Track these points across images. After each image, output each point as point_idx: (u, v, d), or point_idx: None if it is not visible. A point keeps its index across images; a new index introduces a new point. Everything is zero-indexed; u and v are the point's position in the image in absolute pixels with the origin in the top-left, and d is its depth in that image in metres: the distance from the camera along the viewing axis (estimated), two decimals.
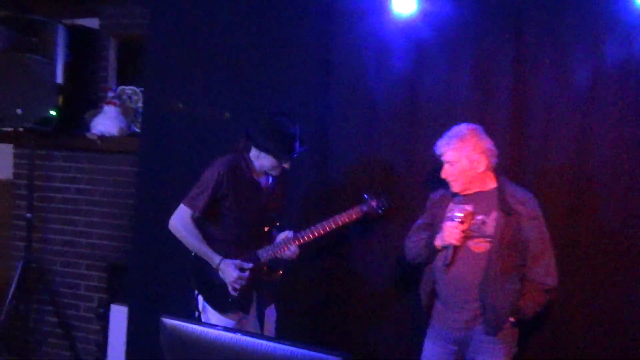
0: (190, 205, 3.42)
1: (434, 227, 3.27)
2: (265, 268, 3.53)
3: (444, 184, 3.70)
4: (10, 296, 4.79)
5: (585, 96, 3.54)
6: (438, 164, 3.76)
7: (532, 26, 3.63)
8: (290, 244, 3.45)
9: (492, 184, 3.23)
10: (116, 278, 5.07)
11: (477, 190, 3.22)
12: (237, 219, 3.46)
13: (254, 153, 3.46)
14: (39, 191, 5.19)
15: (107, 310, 4.93)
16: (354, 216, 3.48)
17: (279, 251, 3.47)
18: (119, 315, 4.79)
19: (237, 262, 3.42)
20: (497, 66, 3.68)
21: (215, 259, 3.41)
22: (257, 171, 3.48)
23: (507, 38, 3.65)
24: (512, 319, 3.16)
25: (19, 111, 4.70)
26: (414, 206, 3.83)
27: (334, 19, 4.00)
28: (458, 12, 3.74)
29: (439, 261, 3.23)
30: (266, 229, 3.58)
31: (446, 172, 3.23)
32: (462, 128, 3.23)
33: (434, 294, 3.33)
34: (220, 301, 3.48)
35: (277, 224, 3.62)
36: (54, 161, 5.27)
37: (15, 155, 5.43)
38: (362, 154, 3.97)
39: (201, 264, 3.50)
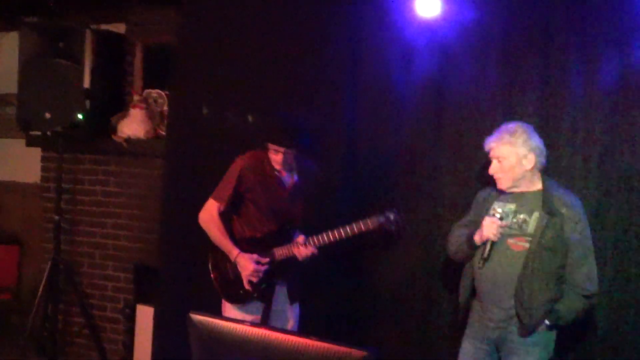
0: (216, 199, 3.57)
1: (477, 225, 3.27)
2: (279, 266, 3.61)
3: (469, 184, 3.72)
4: (39, 297, 4.88)
5: (614, 97, 3.51)
6: (466, 164, 3.77)
7: (559, 26, 3.59)
8: (303, 245, 3.53)
9: (538, 184, 3.20)
10: (142, 279, 5.14)
11: (523, 189, 3.20)
12: (260, 213, 3.57)
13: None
14: (66, 194, 5.28)
15: (133, 310, 4.99)
16: (370, 225, 3.50)
17: (293, 250, 3.55)
18: (144, 315, 4.85)
19: (254, 256, 3.53)
20: (524, 66, 3.65)
21: (233, 251, 3.54)
22: (278, 169, 3.56)
23: (533, 38, 3.63)
24: (546, 322, 3.11)
25: (47, 115, 4.79)
26: (437, 205, 3.86)
27: (359, 22, 4.02)
28: (483, 13, 3.73)
29: (477, 257, 3.23)
30: (287, 229, 3.65)
31: (494, 168, 3.22)
32: (513, 125, 3.23)
33: (472, 291, 3.32)
34: (234, 294, 3.59)
35: (297, 225, 3.69)
36: (82, 164, 5.36)
37: (44, 159, 5.53)
38: (388, 155, 3.98)
39: (218, 257, 3.62)
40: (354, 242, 3.98)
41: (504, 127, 3.24)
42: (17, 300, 5.83)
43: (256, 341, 1.83)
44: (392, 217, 3.52)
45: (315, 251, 3.53)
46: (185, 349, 2.14)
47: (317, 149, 4.06)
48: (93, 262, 5.32)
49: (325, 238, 3.51)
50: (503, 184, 3.22)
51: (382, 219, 3.51)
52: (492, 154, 3.23)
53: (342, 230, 3.48)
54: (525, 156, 3.15)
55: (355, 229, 3.48)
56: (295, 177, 3.62)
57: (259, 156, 3.57)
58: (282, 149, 3.44)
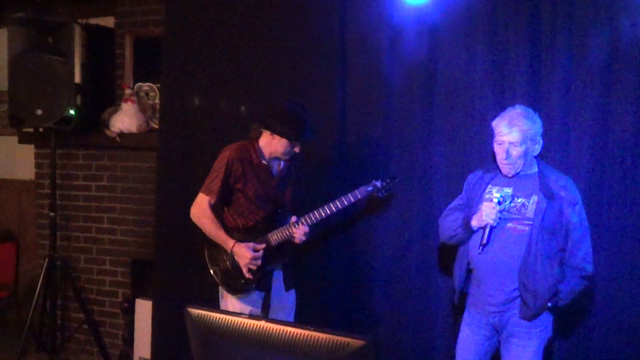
0: (206, 192, 3.55)
1: (471, 208, 3.25)
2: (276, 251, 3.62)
3: (460, 166, 3.70)
4: (37, 293, 4.88)
5: (603, 77, 3.50)
6: (453, 149, 3.75)
7: (548, 7, 3.59)
8: (297, 226, 3.54)
9: (533, 167, 3.17)
10: (140, 273, 5.15)
11: (520, 173, 3.17)
12: (250, 202, 3.57)
13: (265, 139, 3.54)
14: (61, 190, 5.27)
15: (132, 304, 5.00)
16: (358, 196, 3.53)
17: (287, 233, 3.56)
18: (143, 309, 4.86)
19: (251, 244, 3.53)
20: (513, 49, 3.64)
21: (229, 242, 3.54)
22: (267, 157, 3.56)
23: (522, 20, 3.62)
24: (549, 304, 3.10)
25: (38, 112, 4.75)
26: (429, 189, 3.87)
27: (347, 7, 4.01)
28: None
29: (475, 242, 3.20)
30: (278, 214, 3.66)
31: (508, 155, 3.11)
32: (521, 109, 3.14)
33: (468, 276, 3.32)
34: (236, 285, 3.59)
35: (288, 209, 3.69)
36: (75, 160, 5.35)
37: (37, 155, 5.51)
38: (378, 140, 3.98)
39: (215, 250, 3.62)
40: (347, 225, 4.01)
41: (514, 112, 3.12)
42: (15, 297, 5.83)
43: (254, 332, 1.84)
44: (379, 184, 3.56)
45: (308, 230, 3.54)
46: (185, 342, 2.15)
47: None
48: (90, 258, 5.32)
49: (317, 215, 3.53)
50: (511, 170, 3.15)
51: (370, 187, 3.55)
52: (505, 138, 3.10)
53: (332, 205, 3.51)
54: (538, 142, 3.13)
55: (345, 202, 3.52)
56: (282, 163, 3.63)
57: (245, 146, 3.57)
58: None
